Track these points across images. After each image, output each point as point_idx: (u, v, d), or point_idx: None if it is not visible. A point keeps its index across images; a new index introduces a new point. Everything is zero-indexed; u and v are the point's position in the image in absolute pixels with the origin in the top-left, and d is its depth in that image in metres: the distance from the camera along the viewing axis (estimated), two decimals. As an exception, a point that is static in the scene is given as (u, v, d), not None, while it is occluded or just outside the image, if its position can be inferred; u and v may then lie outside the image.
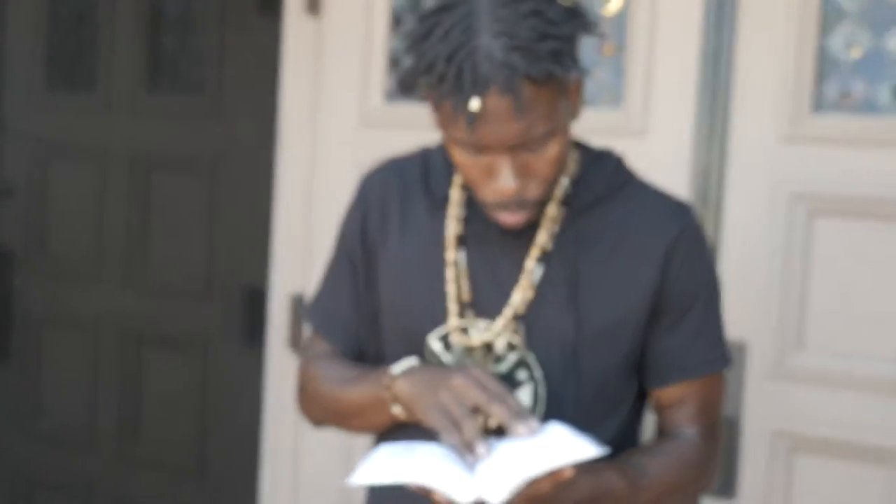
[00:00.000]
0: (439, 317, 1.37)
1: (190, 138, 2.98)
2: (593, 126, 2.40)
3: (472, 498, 1.11)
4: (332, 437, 2.81)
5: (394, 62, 2.70)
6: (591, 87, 2.42)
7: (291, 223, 2.82)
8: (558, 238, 1.35)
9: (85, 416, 3.20)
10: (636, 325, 1.35)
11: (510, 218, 1.28)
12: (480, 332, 1.35)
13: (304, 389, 1.50)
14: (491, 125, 1.19)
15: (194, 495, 3.05)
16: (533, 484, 1.15)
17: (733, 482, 2.29)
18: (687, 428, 1.39)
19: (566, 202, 1.36)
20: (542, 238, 1.34)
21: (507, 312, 1.34)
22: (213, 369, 2.99)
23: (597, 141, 2.40)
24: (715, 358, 1.38)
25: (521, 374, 1.35)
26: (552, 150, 1.24)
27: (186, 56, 2.99)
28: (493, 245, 1.36)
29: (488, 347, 1.35)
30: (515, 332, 1.34)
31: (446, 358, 1.37)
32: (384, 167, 1.49)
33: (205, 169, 2.96)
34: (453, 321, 1.36)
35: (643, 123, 2.34)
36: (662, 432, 1.41)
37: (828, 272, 2.21)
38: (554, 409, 1.34)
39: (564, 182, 1.37)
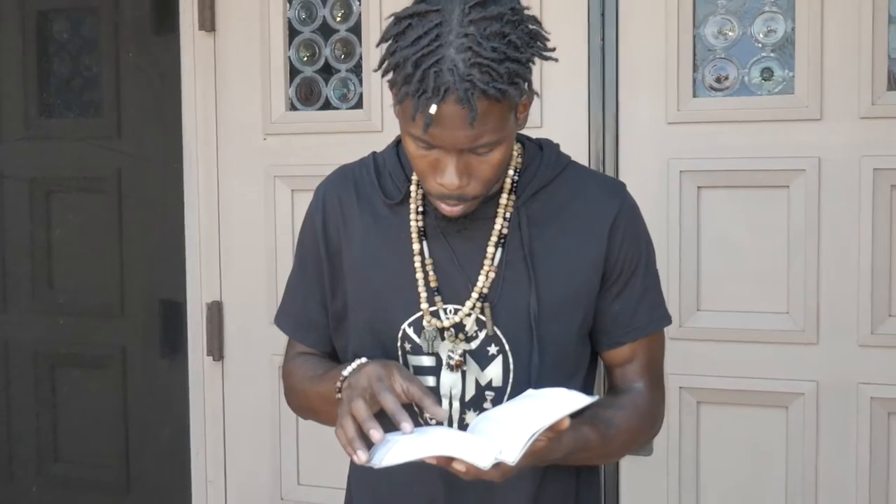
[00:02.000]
0: (410, 305, 1.50)
1: (91, 158, 2.99)
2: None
3: (491, 461, 1.24)
4: (261, 443, 2.89)
5: (293, 71, 2.80)
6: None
7: (203, 233, 2.89)
8: (512, 223, 1.50)
9: (2, 444, 3.17)
10: (588, 296, 1.51)
11: (448, 209, 1.42)
12: (450, 314, 1.49)
13: (287, 387, 1.62)
14: (444, 129, 1.32)
15: (122, 512, 3.08)
16: (532, 440, 1.28)
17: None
18: (636, 382, 1.55)
19: (516, 190, 1.51)
20: (499, 224, 1.49)
21: (474, 294, 1.48)
22: (135, 385, 3.02)
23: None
24: (659, 317, 1.56)
25: (492, 349, 1.49)
26: (496, 156, 1.38)
27: (82, 77, 3.01)
28: (454, 235, 1.50)
29: (459, 328, 1.49)
30: (483, 311, 1.48)
31: (420, 342, 1.49)
32: (337, 175, 1.61)
33: (110, 187, 2.98)
34: (424, 307, 1.49)
35: (540, 118, 2.52)
36: (614, 388, 1.58)
37: (717, 239, 2.45)
38: (522, 376, 1.49)
39: (511, 173, 1.51)
